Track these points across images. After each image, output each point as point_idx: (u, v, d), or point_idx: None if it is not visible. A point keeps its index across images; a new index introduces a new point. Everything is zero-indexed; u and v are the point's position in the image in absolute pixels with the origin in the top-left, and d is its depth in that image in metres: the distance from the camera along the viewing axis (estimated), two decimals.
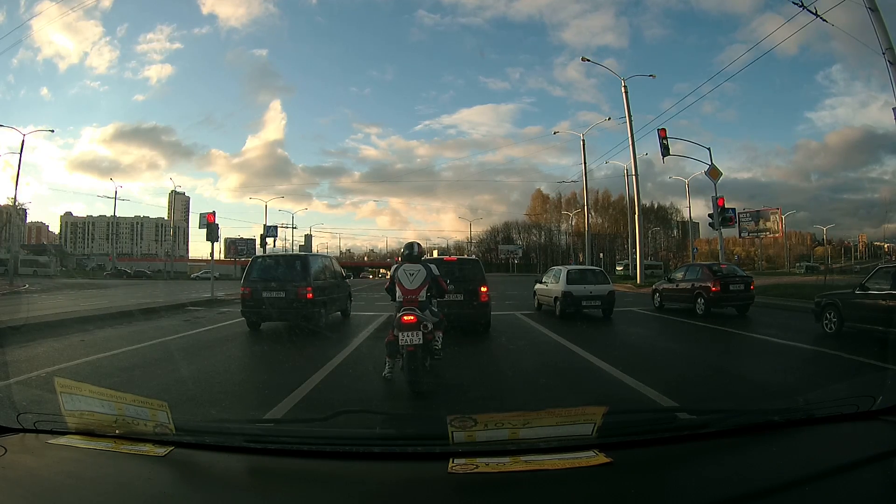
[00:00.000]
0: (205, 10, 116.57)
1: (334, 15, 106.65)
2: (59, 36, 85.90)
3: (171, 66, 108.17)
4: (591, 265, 24.67)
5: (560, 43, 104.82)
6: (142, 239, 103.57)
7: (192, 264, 75.28)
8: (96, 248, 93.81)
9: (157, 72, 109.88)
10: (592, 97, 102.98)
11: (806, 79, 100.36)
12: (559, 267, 14.12)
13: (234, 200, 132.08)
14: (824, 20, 15.80)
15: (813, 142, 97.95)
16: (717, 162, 24.21)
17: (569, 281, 12.12)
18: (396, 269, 5.37)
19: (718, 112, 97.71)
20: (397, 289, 5.27)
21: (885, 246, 70.78)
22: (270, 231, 50.46)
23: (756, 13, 78.61)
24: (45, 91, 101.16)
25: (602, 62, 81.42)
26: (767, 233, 62.25)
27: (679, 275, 14.26)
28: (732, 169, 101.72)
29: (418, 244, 5.63)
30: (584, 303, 11.82)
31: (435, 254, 38.92)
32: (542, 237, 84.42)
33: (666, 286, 14.42)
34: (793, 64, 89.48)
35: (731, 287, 12.28)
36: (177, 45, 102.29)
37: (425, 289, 5.27)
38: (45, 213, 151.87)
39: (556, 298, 12.29)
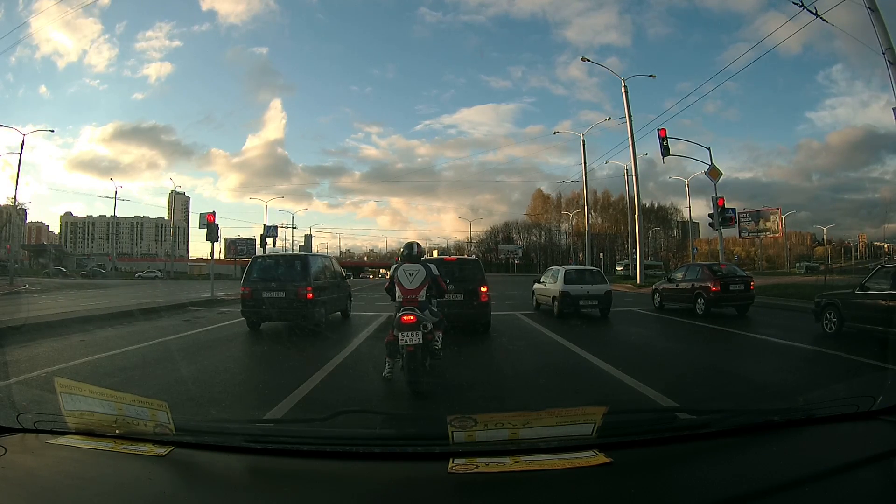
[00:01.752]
0: (204, 7, 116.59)
1: (335, 12, 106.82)
2: (57, 33, 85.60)
3: (171, 64, 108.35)
4: (591, 265, 24.69)
5: (562, 41, 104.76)
6: (142, 239, 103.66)
7: (191, 264, 75.37)
8: (96, 248, 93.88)
9: (156, 70, 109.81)
10: (595, 96, 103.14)
11: (808, 78, 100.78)
12: (557, 267, 14.20)
13: (234, 200, 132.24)
14: (824, 20, 15.82)
15: (815, 142, 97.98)
16: (719, 162, 24.30)
17: (566, 281, 12.19)
18: (396, 269, 5.37)
19: (721, 111, 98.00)
20: (397, 289, 5.27)
21: (885, 246, 70.79)
22: (270, 231, 50.52)
23: (759, 12, 78.46)
24: (43, 89, 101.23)
25: (604, 61, 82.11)
26: (767, 233, 62.31)
27: (679, 275, 14.26)
28: (734, 168, 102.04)
29: (418, 244, 5.63)
30: (581, 302, 11.90)
31: (435, 254, 38.93)
32: (542, 237, 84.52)
33: (666, 286, 14.43)
34: (796, 63, 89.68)
35: (731, 287, 12.29)
36: (176, 43, 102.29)
37: (425, 289, 5.27)
38: (45, 213, 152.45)
39: (553, 298, 12.38)
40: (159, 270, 60.05)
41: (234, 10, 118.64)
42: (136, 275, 55.82)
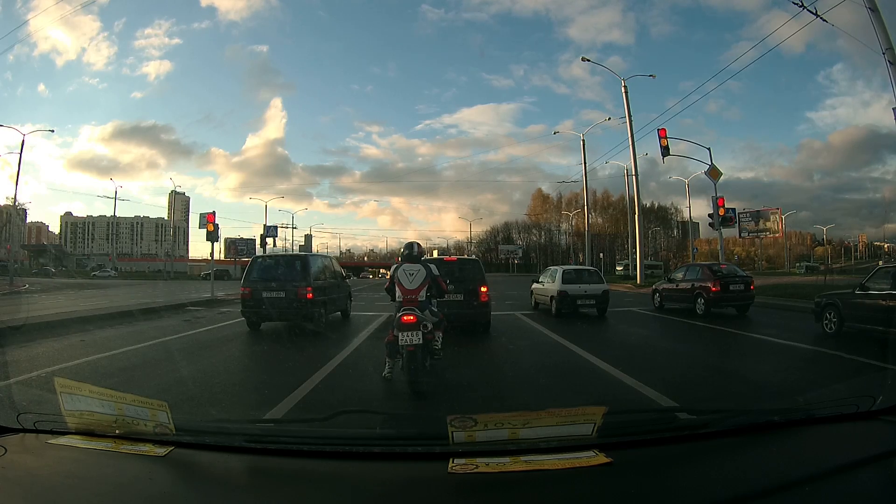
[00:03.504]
0: (203, 3, 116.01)
1: (336, 9, 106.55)
2: (56, 31, 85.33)
3: (170, 62, 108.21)
4: (591, 265, 24.73)
5: (565, 39, 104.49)
6: (142, 239, 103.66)
7: (191, 264, 75.37)
8: (96, 248, 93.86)
9: (155, 68, 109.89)
10: (597, 95, 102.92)
11: (810, 78, 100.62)
12: (555, 267, 14.28)
13: (234, 200, 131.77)
14: (824, 20, 15.82)
15: (816, 141, 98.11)
16: (720, 161, 24.36)
17: (564, 280, 12.28)
18: (396, 269, 5.38)
19: (723, 111, 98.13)
20: (397, 289, 5.27)
21: (886, 246, 70.76)
22: (270, 231, 50.47)
23: (762, 10, 78.36)
24: (42, 88, 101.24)
25: (607, 59, 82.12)
26: (767, 233, 62.39)
27: (679, 275, 14.28)
28: (735, 168, 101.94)
29: (418, 244, 5.63)
30: (579, 302, 11.98)
31: (435, 254, 38.88)
32: (543, 237, 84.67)
33: (666, 286, 14.44)
34: (798, 63, 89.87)
35: (731, 287, 12.29)
36: (175, 41, 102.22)
37: (425, 289, 5.27)
38: (45, 212, 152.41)
39: (552, 298, 12.44)
40: (113, 269, 58.93)
41: (234, 7, 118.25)
42: (92, 274, 55.18)
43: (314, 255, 14.04)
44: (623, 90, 28.24)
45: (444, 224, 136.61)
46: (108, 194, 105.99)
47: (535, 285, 14.26)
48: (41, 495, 1.25)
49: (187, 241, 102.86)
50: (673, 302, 13.75)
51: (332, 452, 1.42)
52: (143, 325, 10.65)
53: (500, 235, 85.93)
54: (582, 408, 1.43)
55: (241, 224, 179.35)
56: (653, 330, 10.81)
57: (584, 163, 35.45)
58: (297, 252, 30.93)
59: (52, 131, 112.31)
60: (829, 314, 8.61)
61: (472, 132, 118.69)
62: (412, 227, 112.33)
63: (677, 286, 13.73)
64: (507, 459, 1.28)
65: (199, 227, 20.57)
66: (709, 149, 23.35)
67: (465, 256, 19.12)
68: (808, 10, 15.49)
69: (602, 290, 12.20)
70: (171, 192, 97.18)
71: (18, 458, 1.42)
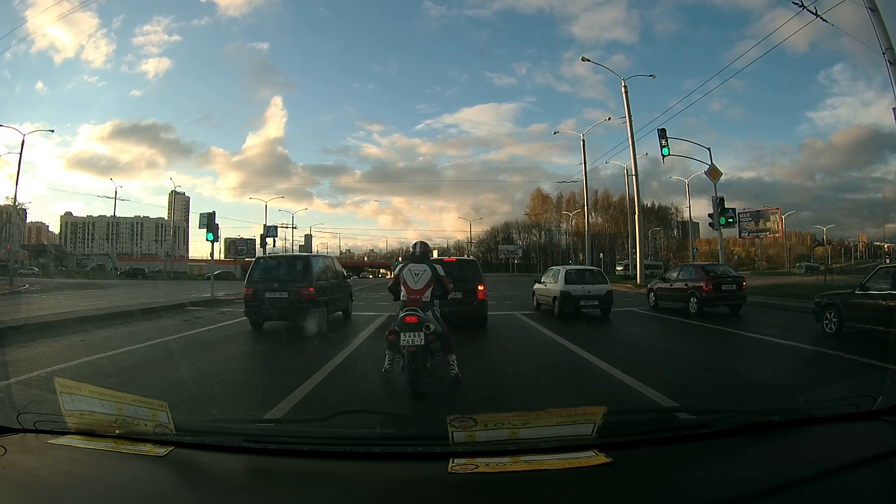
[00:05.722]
0: None
1: (337, 6, 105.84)
2: (54, 28, 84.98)
3: (169, 59, 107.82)
4: (591, 265, 24.69)
5: (568, 37, 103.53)
6: (142, 239, 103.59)
7: (191, 264, 75.39)
8: (97, 247, 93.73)
9: (154, 66, 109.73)
10: (599, 93, 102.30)
11: (812, 78, 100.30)
12: (557, 267, 14.23)
13: (234, 200, 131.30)
14: (824, 20, 15.84)
15: (818, 141, 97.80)
16: (722, 161, 24.46)
17: (567, 281, 12.21)
18: (402, 269, 5.37)
19: (725, 110, 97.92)
20: (402, 288, 5.26)
21: (886, 246, 70.71)
22: (270, 231, 50.48)
23: (766, 9, 77.99)
24: (40, 85, 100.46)
25: (611, 57, 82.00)
26: (767, 233, 62.42)
27: (673, 274, 14.45)
28: (737, 168, 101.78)
29: (425, 244, 5.62)
30: (582, 302, 11.91)
31: (435, 254, 38.79)
32: (543, 237, 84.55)
33: (661, 285, 14.56)
34: (800, 62, 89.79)
35: (723, 287, 12.45)
36: (174, 38, 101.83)
37: (430, 289, 5.25)
38: (44, 212, 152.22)
39: (554, 298, 12.38)
40: (36, 267, 57.77)
41: (234, 3, 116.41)
42: (19, 271, 54.92)
43: (316, 255, 14.05)
44: (623, 90, 28.21)
45: (444, 224, 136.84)
46: (108, 194, 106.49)
47: (536, 285, 14.22)
48: (41, 495, 1.25)
49: (187, 241, 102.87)
50: (667, 301, 13.85)
51: (332, 452, 1.42)
52: (143, 325, 10.65)
53: (501, 235, 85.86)
54: (582, 408, 1.43)
55: (241, 224, 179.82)
56: (652, 330, 10.81)
57: (585, 163, 35.50)
58: (298, 252, 30.95)
59: (52, 131, 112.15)
60: (829, 314, 8.62)
61: (473, 131, 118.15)
62: (413, 226, 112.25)
63: (671, 286, 13.88)
64: (507, 459, 1.28)
65: (199, 227, 20.58)
66: (709, 149, 23.45)
67: (464, 257, 19.19)
68: (808, 9, 15.52)
69: (606, 291, 12.12)
70: (171, 191, 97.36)
71: (18, 458, 1.42)
